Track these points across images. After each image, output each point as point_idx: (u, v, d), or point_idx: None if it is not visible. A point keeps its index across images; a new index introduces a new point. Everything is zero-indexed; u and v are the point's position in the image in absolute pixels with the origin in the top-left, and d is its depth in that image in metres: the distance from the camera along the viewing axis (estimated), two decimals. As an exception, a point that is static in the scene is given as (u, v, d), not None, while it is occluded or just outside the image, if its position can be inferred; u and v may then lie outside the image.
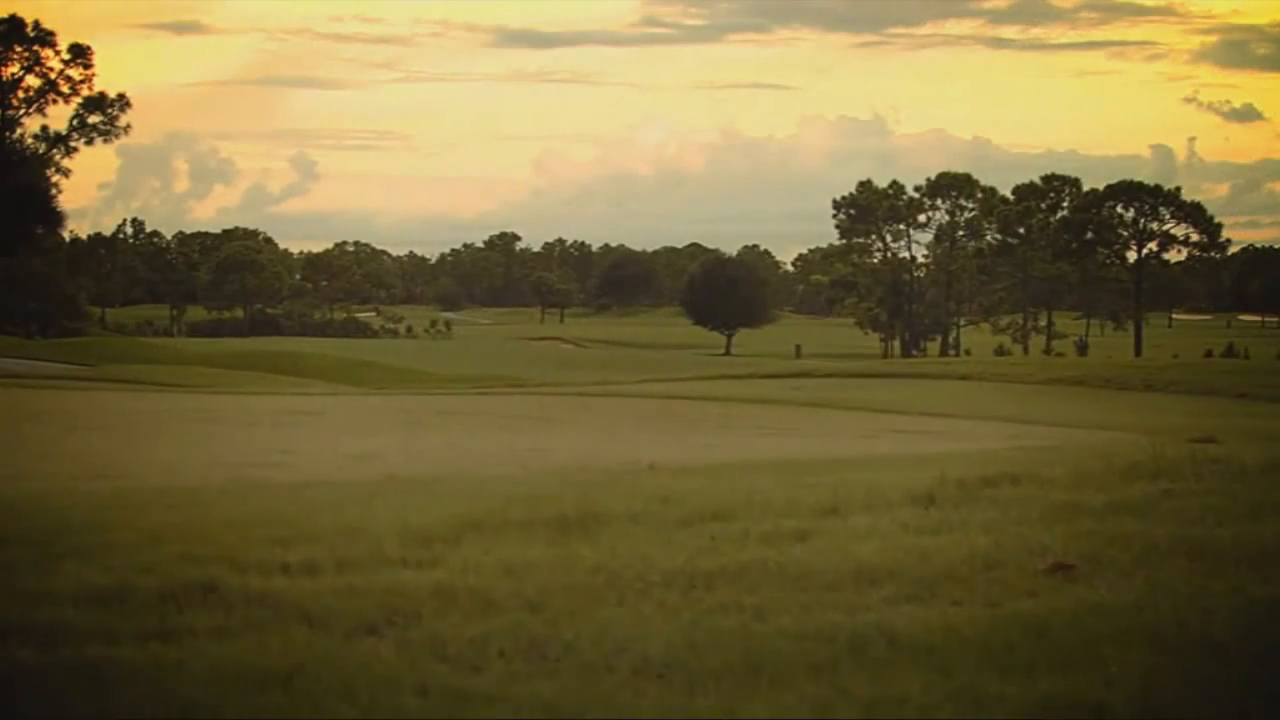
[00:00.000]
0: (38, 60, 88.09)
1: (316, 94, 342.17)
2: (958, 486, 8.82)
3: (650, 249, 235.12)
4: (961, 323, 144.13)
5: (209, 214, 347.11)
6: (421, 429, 21.83)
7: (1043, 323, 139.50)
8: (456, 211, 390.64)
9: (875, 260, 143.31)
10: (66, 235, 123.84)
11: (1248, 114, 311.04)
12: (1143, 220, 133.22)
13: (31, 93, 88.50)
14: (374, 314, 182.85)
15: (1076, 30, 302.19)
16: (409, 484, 11.18)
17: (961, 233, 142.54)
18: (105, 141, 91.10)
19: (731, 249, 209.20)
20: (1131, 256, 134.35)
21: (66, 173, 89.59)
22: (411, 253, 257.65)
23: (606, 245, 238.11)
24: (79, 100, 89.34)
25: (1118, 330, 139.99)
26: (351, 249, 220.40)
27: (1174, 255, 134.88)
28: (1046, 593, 6.12)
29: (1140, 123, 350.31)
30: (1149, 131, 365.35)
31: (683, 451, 16.58)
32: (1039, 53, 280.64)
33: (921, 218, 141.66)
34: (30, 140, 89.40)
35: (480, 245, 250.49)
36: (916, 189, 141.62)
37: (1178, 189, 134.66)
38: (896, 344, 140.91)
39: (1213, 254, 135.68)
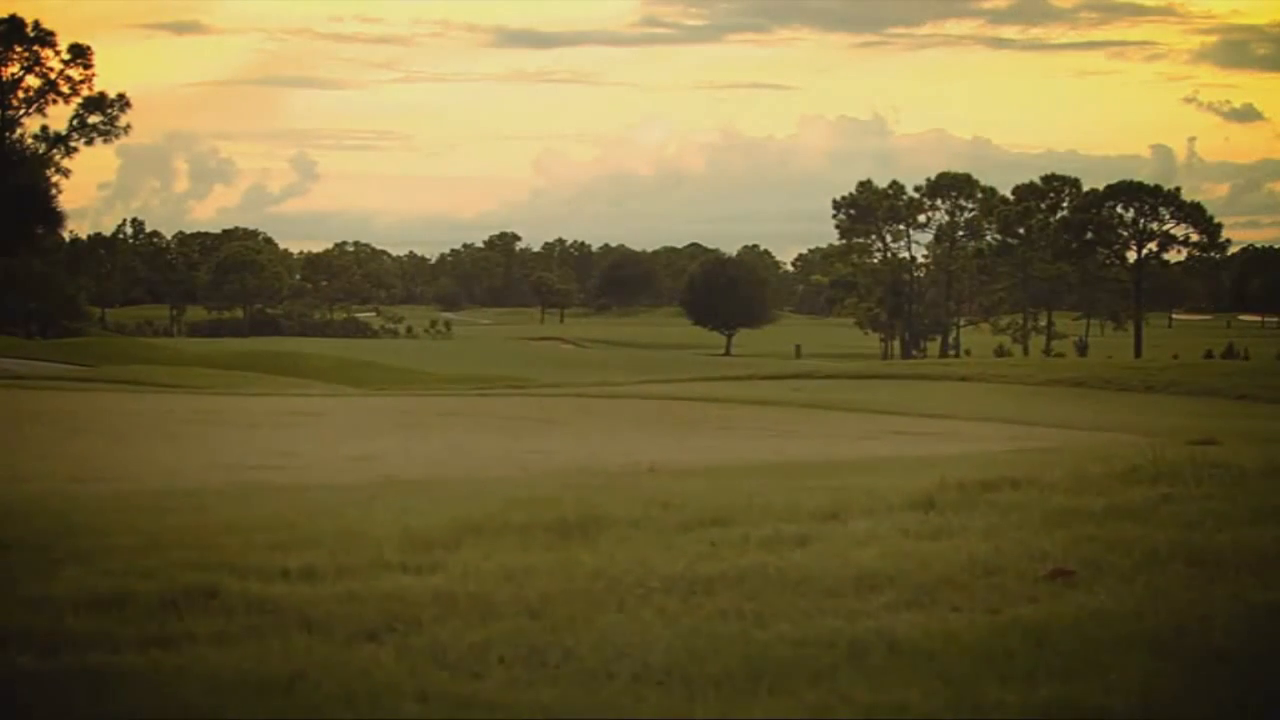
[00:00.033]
0: (38, 60, 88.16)
1: (316, 94, 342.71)
2: (958, 490, 8.82)
3: (650, 249, 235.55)
4: (961, 323, 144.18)
5: (209, 214, 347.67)
6: (421, 430, 21.84)
7: (1043, 323, 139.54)
8: (456, 211, 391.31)
9: (875, 260, 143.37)
10: (66, 235, 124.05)
11: (1248, 114, 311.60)
12: (1143, 220, 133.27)
13: (31, 93, 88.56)
14: (374, 314, 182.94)
15: (1076, 30, 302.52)
16: (409, 487, 11.19)
17: (961, 233, 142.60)
18: (105, 141, 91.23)
19: (731, 249, 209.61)
20: (1131, 256, 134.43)
21: (66, 173, 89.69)
22: (411, 253, 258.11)
23: (606, 245, 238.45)
24: (79, 100, 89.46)
25: (1118, 330, 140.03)
26: (351, 249, 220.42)
27: (1174, 255, 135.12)
28: (1046, 599, 6.11)
29: (1140, 123, 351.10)
30: (1149, 131, 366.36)
31: (683, 453, 16.58)
32: (1039, 53, 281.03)
33: (921, 218, 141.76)
34: (30, 140, 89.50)
35: (480, 245, 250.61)
36: (916, 189, 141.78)
37: (1178, 189, 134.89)
38: (896, 344, 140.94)
39: (1213, 254, 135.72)
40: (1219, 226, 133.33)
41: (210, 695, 4.96)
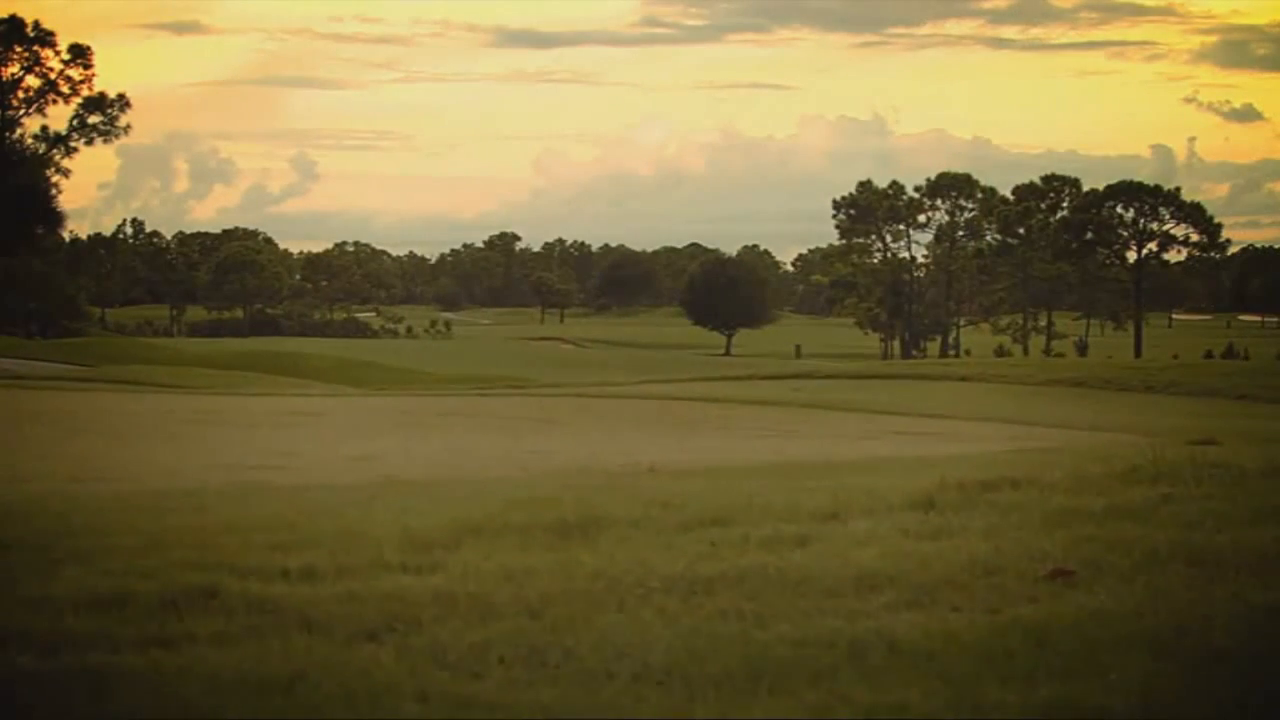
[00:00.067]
0: (38, 60, 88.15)
1: (316, 94, 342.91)
2: (958, 490, 8.82)
3: (650, 249, 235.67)
4: (961, 323, 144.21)
5: (209, 214, 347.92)
6: (421, 430, 21.84)
7: (1043, 323, 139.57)
8: (456, 211, 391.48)
9: (875, 260, 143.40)
10: (66, 235, 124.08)
11: (1248, 114, 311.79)
12: (1143, 220, 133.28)
13: (31, 93, 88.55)
14: (374, 314, 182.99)
15: (1076, 30, 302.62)
16: (409, 487, 11.18)
17: (961, 233, 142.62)
18: (105, 141, 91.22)
19: (731, 249, 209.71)
20: (1131, 256, 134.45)
21: (66, 173, 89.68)
22: (411, 253, 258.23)
23: (606, 245, 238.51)
24: (79, 100, 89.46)
25: (1118, 330, 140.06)
26: (351, 249, 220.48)
27: (1174, 255, 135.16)
28: (1046, 599, 6.12)
29: (1140, 123, 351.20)
30: (1149, 131, 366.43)
31: (683, 454, 16.59)
32: (1039, 53, 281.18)
33: (921, 218, 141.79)
34: (30, 140, 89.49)
35: (480, 245, 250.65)
36: (916, 189, 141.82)
37: (1178, 189, 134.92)
38: (896, 344, 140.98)
39: (1213, 254, 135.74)
40: (1219, 226, 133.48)
41: (210, 695, 4.96)
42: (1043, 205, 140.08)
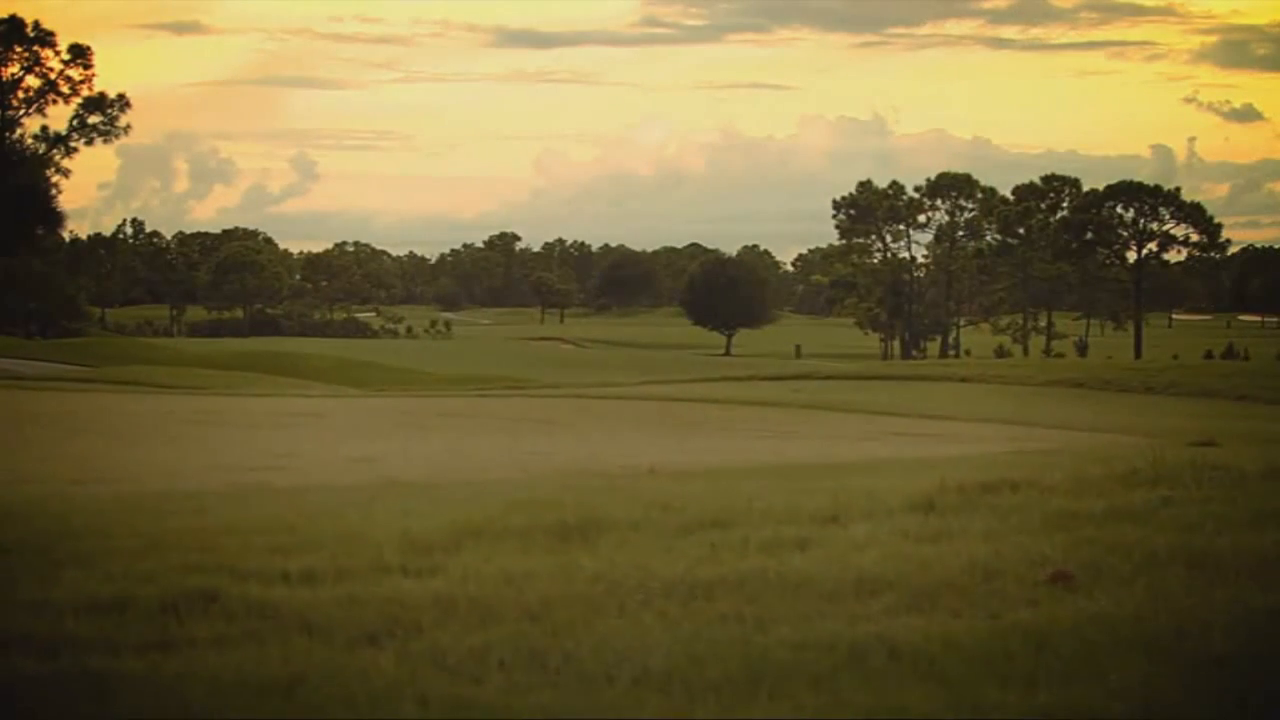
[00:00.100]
0: (38, 60, 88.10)
1: (316, 94, 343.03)
2: (958, 493, 8.82)
3: (650, 249, 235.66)
4: (961, 323, 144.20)
5: (209, 214, 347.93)
6: (422, 431, 21.84)
7: (1043, 323, 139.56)
8: (456, 211, 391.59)
9: (875, 260, 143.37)
10: (66, 235, 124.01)
11: (1248, 114, 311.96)
12: (1143, 220, 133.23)
13: (31, 93, 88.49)
14: (374, 314, 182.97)
15: (1076, 30, 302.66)
16: (409, 489, 11.19)
17: (961, 233, 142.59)
18: (105, 141, 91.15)
19: (731, 249, 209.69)
20: (1131, 257, 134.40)
21: (66, 173, 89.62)
22: (411, 253, 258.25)
23: (606, 245, 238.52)
24: (79, 100, 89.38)
25: (1118, 330, 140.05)
26: (351, 249, 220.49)
27: (1174, 255, 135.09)
28: (1046, 603, 6.12)
29: (1140, 123, 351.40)
30: (1149, 131, 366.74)
31: (683, 455, 16.59)
32: (1039, 53, 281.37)
33: (921, 218, 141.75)
34: (30, 140, 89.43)
35: (480, 245, 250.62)
36: (916, 189, 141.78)
37: (1178, 189, 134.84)
38: (896, 344, 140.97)
39: (1213, 254, 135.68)
40: (1219, 226, 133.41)
41: (210, 699, 4.97)
42: (1043, 205, 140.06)
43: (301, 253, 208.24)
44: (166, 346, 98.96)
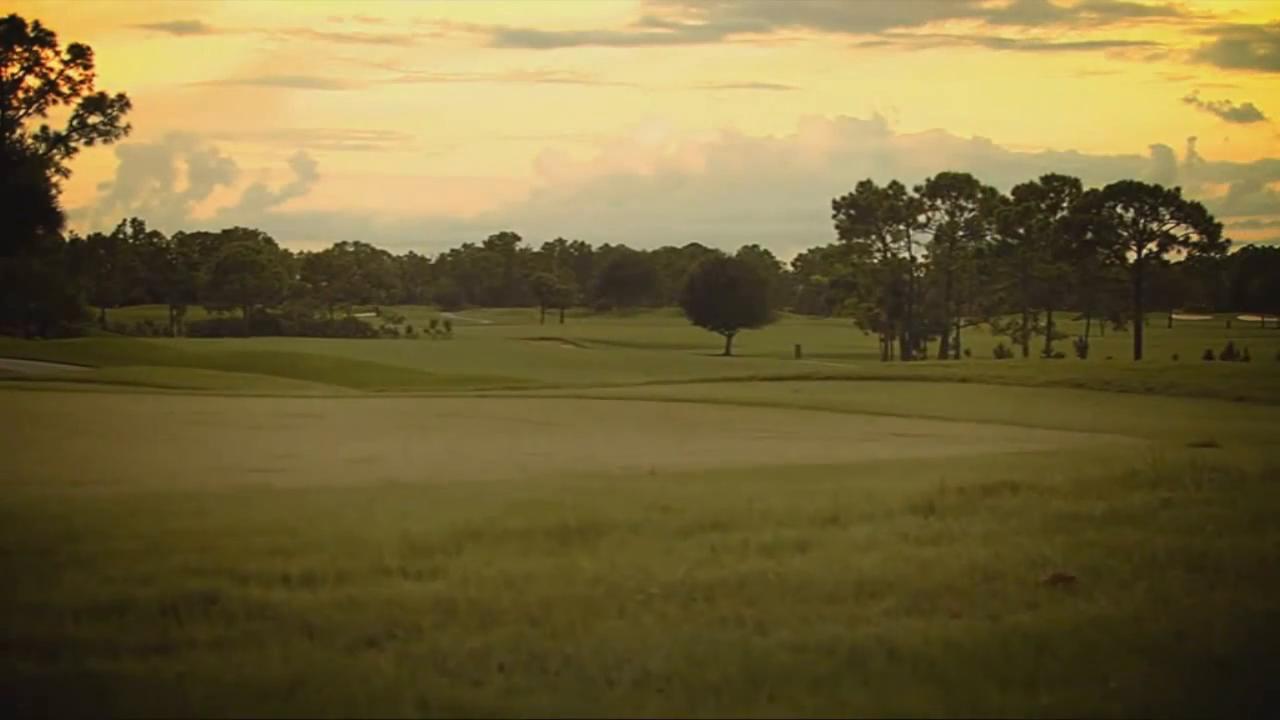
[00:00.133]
0: (38, 60, 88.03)
1: (316, 94, 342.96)
2: (958, 495, 8.82)
3: (650, 249, 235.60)
4: (961, 323, 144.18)
5: (209, 214, 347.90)
6: (422, 432, 21.83)
7: (1043, 323, 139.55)
8: (456, 211, 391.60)
9: (875, 260, 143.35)
10: (66, 235, 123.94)
11: (1248, 114, 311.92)
12: (1142, 220, 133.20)
13: (31, 93, 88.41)
14: (374, 314, 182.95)
15: (1076, 30, 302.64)
16: (409, 490, 11.19)
17: (961, 233, 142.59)
18: (105, 141, 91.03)
19: (731, 249, 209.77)
20: (1131, 257, 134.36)
21: (66, 173, 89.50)
22: (411, 253, 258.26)
23: (606, 245, 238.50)
24: (79, 100, 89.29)
25: (1117, 330, 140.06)
26: (351, 249, 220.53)
27: (1174, 255, 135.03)
28: (1047, 605, 6.12)
29: (1140, 123, 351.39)
30: (1149, 131, 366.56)
31: (683, 456, 16.58)
32: (1039, 53, 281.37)
33: (921, 218, 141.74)
34: (30, 140, 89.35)
35: (480, 245, 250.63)
36: (916, 189, 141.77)
37: (1178, 189, 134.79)
38: (896, 344, 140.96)
39: (1213, 254, 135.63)
40: (1219, 226, 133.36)
41: (210, 702, 4.97)
42: (1043, 205, 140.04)
43: (301, 253, 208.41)
44: (166, 346, 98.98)
